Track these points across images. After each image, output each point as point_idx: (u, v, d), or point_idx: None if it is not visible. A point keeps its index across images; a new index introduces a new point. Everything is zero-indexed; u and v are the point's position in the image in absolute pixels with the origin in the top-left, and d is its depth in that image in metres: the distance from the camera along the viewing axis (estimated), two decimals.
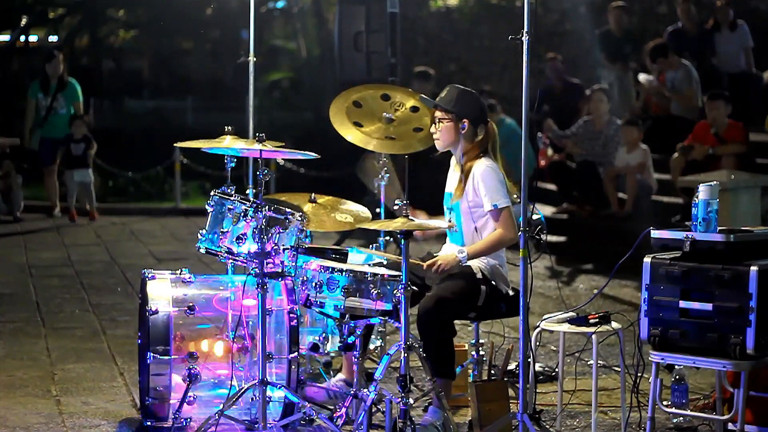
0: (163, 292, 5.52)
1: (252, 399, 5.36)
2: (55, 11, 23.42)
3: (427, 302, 5.41)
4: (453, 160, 5.87)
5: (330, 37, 17.73)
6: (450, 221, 5.70)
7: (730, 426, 5.19)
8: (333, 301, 5.29)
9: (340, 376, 6.00)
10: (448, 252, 5.70)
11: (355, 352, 5.46)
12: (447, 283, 5.50)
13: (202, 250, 5.37)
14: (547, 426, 5.51)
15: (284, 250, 5.24)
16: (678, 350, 4.96)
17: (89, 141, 13.42)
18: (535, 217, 5.68)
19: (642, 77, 12.76)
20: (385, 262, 5.86)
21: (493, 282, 5.61)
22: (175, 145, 5.83)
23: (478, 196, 5.60)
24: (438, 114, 5.70)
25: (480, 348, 5.97)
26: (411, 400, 5.10)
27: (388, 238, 6.85)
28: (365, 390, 5.26)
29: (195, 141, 5.54)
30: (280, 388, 5.29)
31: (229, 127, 5.63)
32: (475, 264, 5.61)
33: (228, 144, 5.43)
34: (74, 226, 13.18)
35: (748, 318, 4.76)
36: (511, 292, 5.65)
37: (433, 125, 5.74)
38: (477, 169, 5.62)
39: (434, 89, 13.02)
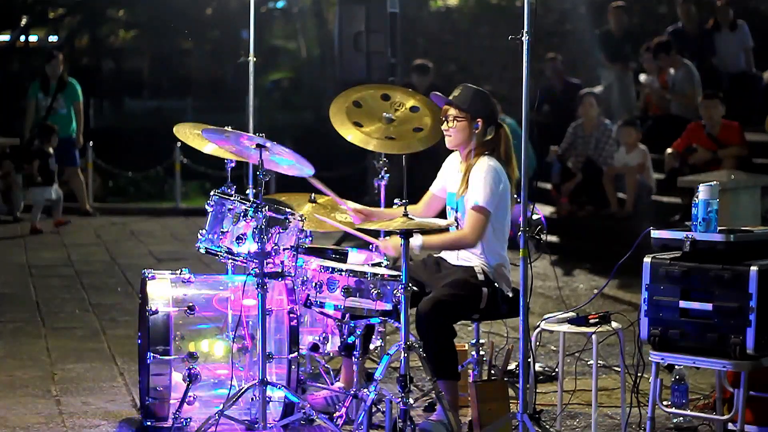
0: (163, 292, 5.52)
1: (252, 399, 5.36)
2: (55, 11, 23.43)
3: (424, 305, 5.39)
4: (453, 159, 5.85)
5: (330, 37, 17.75)
6: (455, 219, 5.69)
7: (730, 426, 5.19)
8: (333, 301, 5.29)
9: (339, 384, 5.98)
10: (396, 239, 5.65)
11: (355, 352, 5.46)
12: (446, 286, 5.49)
13: (202, 250, 5.37)
14: (547, 426, 5.51)
15: (284, 250, 5.24)
16: (678, 350, 4.96)
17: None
18: (535, 217, 5.67)
19: (643, 77, 12.76)
20: (384, 262, 5.86)
21: (495, 284, 5.60)
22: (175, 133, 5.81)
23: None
24: (452, 112, 5.66)
25: (480, 348, 5.97)
26: (411, 400, 5.10)
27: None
28: (365, 390, 5.26)
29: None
30: (280, 388, 5.29)
31: (229, 127, 5.63)
32: (478, 266, 5.60)
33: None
34: (74, 226, 13.17)
35: (748, 318, 4.76)
36: (510, 294, 5.65)
37: (445, 122, 5.71)
38: (477, 165, 5.61)
39: (433, 82, 13.05)
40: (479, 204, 5.50)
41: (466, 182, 5.63)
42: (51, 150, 12.95)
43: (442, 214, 5.84)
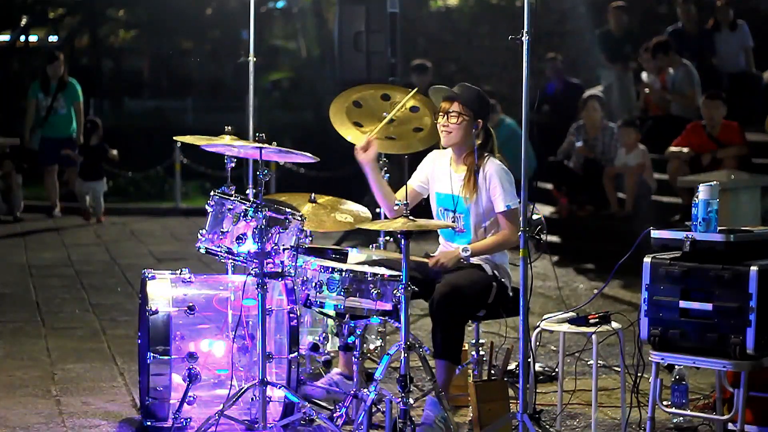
0: (163, 292, 5.52)
1: (252, 399, 5.36)
2: (55, 11, 23.42)
3: (443, 287, 5.41)
4: (439, 158, 5.83)
5: (330, 37, 17.73)
6: (454, 222, 5.69)
7: (730, 426, 5.19)
8: (333, 301, 5.29)
9: (336, 370, 6.00)
10: (450, 249, 5.70)
11: (355, 352, 5.47)
12: (460, 273, 5.50)
13: (202, 250, 5.37)
14: (547, 426, 5.51)
15: (284, 250, 5.24)
16: (678, 350, 4.96)
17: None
18: (535, 217, 5.68)
19: (645, 75, 12.72)
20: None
21: (502, 280, 5.63)
22: (175, 138, 5.83)
23: (491, 197, 5.59)
24: (456, 108, 5.65)
25: (480, 348, 5.97)
26: (411, 400, 5.10)
27: (388, 238, 6.85)
28: (365, 390, 5.26)
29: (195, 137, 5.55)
30: (280, 388, 5.29)
31: (229, 127, 5.63)
32: (482, 263, 5.61)
33: (227, 142, 5.44)
34: (74, 226, 13.19)
35: (748, 318, 4.76)
36: (511, 293, 5.65)
37: (445, 117, 5.67)
38: (490, 169, 5.61)
39: (432, 81, 13.06)
40: (512, 206, 5.56)
41: (473, 186, 5.61)
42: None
43: (421, 209, 5.86)
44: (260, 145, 5.27)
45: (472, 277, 5.51)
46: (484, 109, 5.71)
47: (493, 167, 5.61)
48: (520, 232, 5.03)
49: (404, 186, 5.73)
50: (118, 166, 14.71)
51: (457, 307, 5.41)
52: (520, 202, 5.11)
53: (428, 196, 5.87)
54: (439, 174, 5.79)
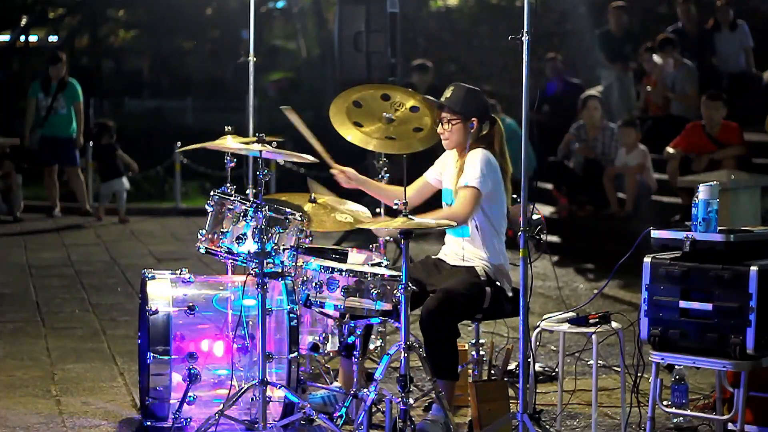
0: (163, 292, 5.52)
1: (252, 399, 5.36)
2: (55, 11, 23.44)
3: (431, 303, 5.39)
4: (450, 156, 5.85)
5: (330, 37, 17.74)
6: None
7: (730, 426, 5.19)
8: (333, 301, 5.29)
9: (336, 384, 5.97)
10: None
11: (355, 352, 5.46)
12: (451, 283, 5.49)
13: (202, 250, 5.37)
14: (547, 426, 5.52)
15: (284, 250, 5.24)
16: (678, 350, 4.96)
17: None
18: (535, 217, 5.67)
19: (656, 57, 12.65)
20: (384, 263, 5.86)
21: (497, 283, 5.61)
22: (177, 150, 5.84)
23: None
24: (446, 115, 5.69)
25: (480, 348, 5.97)
26: (411, 400, 5.10)
27: (387, 238, 6.84)
28: (365, 390, 5.26)
29: (196, 144, 5.55)
30: (280, 388, 5.29)
31: (229, 127, 5.63)
32: (480, 266, 5.60)
33: (228, 144, 5.44)
34: (74, 226, 13.20)
35: (748, 318, 4.76)
36: (511, 293, 5.65)
37: (440, 125, 5.73)
38: (471, 154, 5.64)
39: (433, 81, 13.05)
40: (469, 184, 5.54)
41: (460, 172, 5.65)
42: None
43: (432, 201, 5.86)
44: (262, 147, 5.26)
45: (462, 287, 5.47)
46: (477, 106, 5.69)
47: (475, 153, 5.62)
48: (469, 214, 5.07)
49: (418, 179, 5.88)
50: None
51: (444, 324, 5.37)
52: (518, 201, 5.10)
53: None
54: (448, 170, 5.85)
